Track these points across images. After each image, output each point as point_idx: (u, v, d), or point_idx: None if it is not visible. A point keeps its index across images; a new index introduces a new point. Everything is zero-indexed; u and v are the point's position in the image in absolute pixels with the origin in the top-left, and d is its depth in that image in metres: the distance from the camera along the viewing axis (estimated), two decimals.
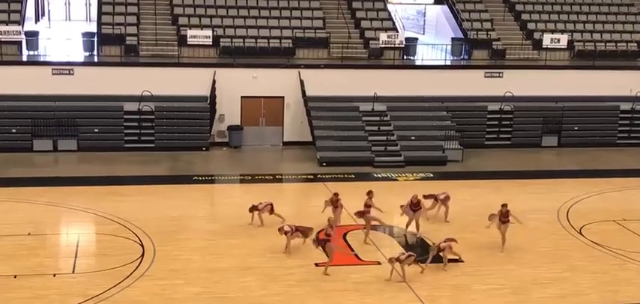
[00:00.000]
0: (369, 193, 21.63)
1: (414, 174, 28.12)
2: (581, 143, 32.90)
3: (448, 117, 31.54)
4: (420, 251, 20.37)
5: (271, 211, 21.82)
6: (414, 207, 21.27)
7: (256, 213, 21.79)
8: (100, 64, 31.38)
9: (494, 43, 34.99)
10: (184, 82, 30.63)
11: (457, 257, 19.57)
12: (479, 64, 34.18)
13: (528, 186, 27.46)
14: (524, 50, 35.21)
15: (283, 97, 31.43)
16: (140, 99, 29.94)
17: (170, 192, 25.38)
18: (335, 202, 21.60)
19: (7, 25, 31.39)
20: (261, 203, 21.86)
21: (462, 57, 35.16)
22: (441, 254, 19.34)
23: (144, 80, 30.06)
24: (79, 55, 32.02)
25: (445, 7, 37.99)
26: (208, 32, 31.83)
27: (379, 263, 19.46)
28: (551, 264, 19.92)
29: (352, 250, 20.36)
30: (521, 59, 34.76)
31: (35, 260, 19.06)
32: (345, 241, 20.96)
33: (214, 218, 23.60)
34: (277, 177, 27.86)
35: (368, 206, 21.34)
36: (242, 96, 31.15)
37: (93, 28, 34.61)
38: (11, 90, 29.45)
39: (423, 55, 35.16)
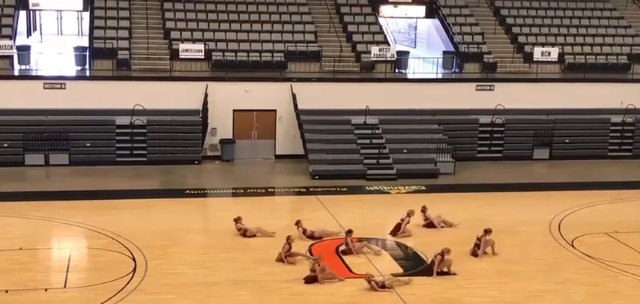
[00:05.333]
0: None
1: (406, 187, 28.15)
2: (572, 155, 32.98)
3: (440, 130, 31.62)
4: (413, 263, 20.51)
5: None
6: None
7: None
8: (91, 78, 31.35)
9: (485, 56, 35.14)
10: (176, 96, 30.62)
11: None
12: (470, 77, 34.31)
13: (520, 198, 27.52)
14: (515, 63, 35.36)
15: (275, 111, 31.44)
16: (132, 113, 29.91)
17: (162, 205, 25.32)
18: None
19: None
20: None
21: (453, 70, 35.28)
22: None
23: (136, 94, 30.03)
24: (71, 69, 31.96)
25: (436, 21, 38.14)
26: (200, 46, 31.83)
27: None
28: (543, 277, 19.94)
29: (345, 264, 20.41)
30: (512, 72, 34.88)
31: (27, 275, 18.96)
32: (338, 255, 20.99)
33: (207, 231, 23.56)
34: (270, 190, 27.84)
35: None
36: (234, 110, 31.16)
37: (85, 42, 34.59)
38: (3, 104, 29.38)
39: (415, 68, 35.29)
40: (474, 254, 21.05)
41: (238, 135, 31.29)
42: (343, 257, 20.78)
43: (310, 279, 18.95)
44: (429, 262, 20.12)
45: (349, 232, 21.18)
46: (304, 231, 22.02)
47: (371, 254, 20.92)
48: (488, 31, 37.14)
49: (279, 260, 20.18)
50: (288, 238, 20.43)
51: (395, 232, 22.61)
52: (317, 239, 21.88)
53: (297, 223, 22.21)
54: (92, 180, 27.70)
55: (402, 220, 22.71)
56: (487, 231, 21.11)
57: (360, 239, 21.44)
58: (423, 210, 23.56)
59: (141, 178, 28.39)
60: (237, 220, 22.27)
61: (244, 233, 22.06)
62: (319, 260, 19.27)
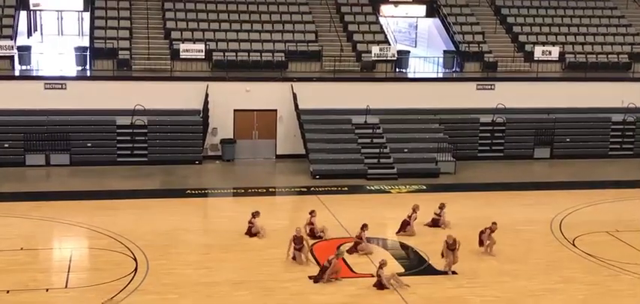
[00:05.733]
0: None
1: (407, 187, 28.15)
2: (573, 154, 32.97)
3: (441, 129, 31.61)
4: (415, 263, 20.51)
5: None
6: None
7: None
8: (92, 78, 31.37)
9: (485, 55, 35.12)
10: (177, 96, 30.63)
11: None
12: (471, 76, 34.30)
13: (521, 197, 27.51)
14: (516, 62, 35.34)
15: (276, 110, 31.44)
16: (133, 113, 29.91)
17: (163, 205, 25.32)
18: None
19: None
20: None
21: (453, 69, 35.27)
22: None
23: (136, 94, 30.03)
24: (72, 69, 31.98)
25: (437, 20, 38.14)
26: (201, 46, 31.83)
27: (373, 276, 19.40)
28: (545, 276, 19.94)
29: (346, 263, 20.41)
30: (512, 71, 34.86)
31: (28, 275, 18.97)
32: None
33: (207, 231, 23.57)
34: (270, 190, 27.84)
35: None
36: (235, 110, 31.16)
37: (85, 42, 34.61)
38: (4, 104, 29.38)
39: (415, 67, 35.27)
40: (481, 243, 21.28)
41: (239, 135, 31.29)
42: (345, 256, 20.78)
43: (320, 272, 18.92)
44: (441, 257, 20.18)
45: (364, 226, 21.18)
46: (311, 224, 22.02)
47: (371, 254, 20.92)
48: (489, 30, 37.13)
49: (293, 257, 20.15)
50: (297, 230, 20.37)
51: (402, 229, 22.59)
52: (318, 238, 21.87)
53: (312, 213, 22.28)
54: (93, 180, 27.71)
55: (409, 217, 22.73)
56: (493, 226, 21.24)
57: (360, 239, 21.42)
58: (441, 206, 23.50)
59: (142, 178, 28.39)
60: (255, 215, 22.18)
61: (249, 230, 22.03)
62: (340, 257, 19.33)
